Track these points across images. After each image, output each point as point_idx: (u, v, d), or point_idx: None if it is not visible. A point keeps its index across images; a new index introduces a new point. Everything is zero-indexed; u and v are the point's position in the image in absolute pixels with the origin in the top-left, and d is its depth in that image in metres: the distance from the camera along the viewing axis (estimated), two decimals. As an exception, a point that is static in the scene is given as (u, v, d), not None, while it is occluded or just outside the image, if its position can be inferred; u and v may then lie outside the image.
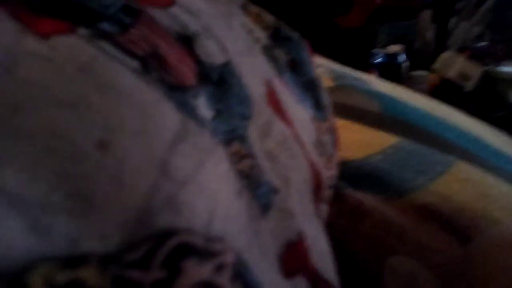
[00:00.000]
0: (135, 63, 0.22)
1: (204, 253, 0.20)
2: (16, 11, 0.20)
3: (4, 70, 0.18)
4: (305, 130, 0.34)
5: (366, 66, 1.32)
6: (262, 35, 0.36)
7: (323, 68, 0.63)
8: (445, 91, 1.40)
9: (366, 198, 0.47)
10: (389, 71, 1.32)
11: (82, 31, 0.21)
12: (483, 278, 0.42)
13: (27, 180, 0.17)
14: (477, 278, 0.42)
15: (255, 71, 0.31)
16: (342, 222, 0.45)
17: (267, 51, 0.35)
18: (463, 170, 0.51)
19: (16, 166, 0.17)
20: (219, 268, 0.20)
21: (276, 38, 0.37)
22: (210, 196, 0.21)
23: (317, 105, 0.38)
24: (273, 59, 0.35)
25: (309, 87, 0.38)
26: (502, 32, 1.55)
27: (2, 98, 0.18)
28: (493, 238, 0.44)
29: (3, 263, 0.16)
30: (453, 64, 1.40)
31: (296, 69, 0.37)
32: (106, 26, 0.22)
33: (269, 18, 0.38)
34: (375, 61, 1.35)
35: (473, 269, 0.42)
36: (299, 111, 0.35)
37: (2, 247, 0.16)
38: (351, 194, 0.47)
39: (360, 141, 0.54)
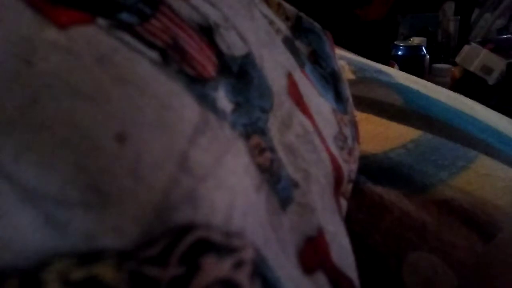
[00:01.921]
0: (155, 55, 0.22)
1: (223, 249, 0.19)
2: (34, 0, 0.20)
3: (23, 61, 0.18)
4: (326, 123, 0.33)
5: (387, 58, 1.31)
6: (283, 26, 0.35)
7: (345, 60, 0.63)
8: (468, 84, 1.38)
9: (386, 193, 0.46)
10: (411, 63, 1.31)
11: (101, 21, 0.21)
12: (504, 276, 0.41)
13: (44, 173, 0.17)
14: (498, 276, 0.41)
15: (276, 63, 0.30)
16: (361, 217, 0.45)
17: (288, 42, 0.34)
18: (486, 165, 0.50)
19: (33, 158, 0.17)
20: (238, 264, 0.20)
21: (298, 30, 0.37)
22: (230, 191, 0.21)
23: (338, 98, 0.38)
24: (294, 50, 0.34)
25: (330, 80, 0.37)
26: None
27: (20, 89, 0.18)
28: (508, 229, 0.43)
29: (17, 259, 0.16)
30: (476, 57, 1.38)
31: (317, 61, 0.37)
32: (125, 16, 0.22)
33: (290, 9, 0.38)
34: (397, 54, 1.34)
35: (494, 267, 0.42)
36: (320, 104, 0.34)
37: (16, 242, 0.16)
38: (371, 188, 0.46)
39: (381, 135, 0.53)
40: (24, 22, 0.19)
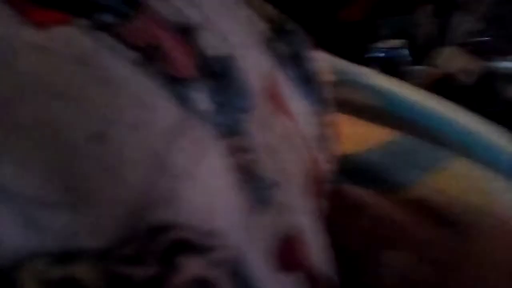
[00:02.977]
0: (134, 55, 0.22)
1: (200, 248, 0.19)
2: (15, 1, 0.20)
3: (2, 61, 0.18)
4: (306, 123, 0.34)
5: (366, 60, 1.32)
6: (264, 28, 0.35)
7: (324, 62, 0.63)
8: (445, 86, 1.40)
9: (364, 193, 0.47)
10: (390, 65, 1.32)
11: (81, 22, 0.21)
12: (480, 272, 0.42)
13: (21, 173, 0.17)
14: (472, 271, 0.42)
15: (257, 64, 0.30)
16: (339, 217, 0.45)
17: (269, 44, 0.34)
18: (461, 165, 0.51)
19: (10, 159, 0.17)
20: (216, 263, 0.20)
21: (278, 31, 0.37)
22: (208, 191, 0.21)
23: (318, 99, 0.38)
24: (275, 52, 0.34)
25: (309, 81, 0.38)
26: (504, 28, 1.54)
27: None
28: (490, 232, 0.44)
29: None
30: (454, 59, 1.40)
31: (297, 63, 0.37)
32: (106, 17, 0.22)
33: (271, 10, 0.38)
34: (376, 55, 1.35)
35: (468, 262, 0.42)
36: (301, 105, 0.34)
37: None
38: (348, 188, 0.47)
39: (360, 136, 0.54)
40: (3, 21, 0.19)
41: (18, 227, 0.16)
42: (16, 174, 0.17)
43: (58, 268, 0.17)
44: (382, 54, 1.34)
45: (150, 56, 0.22)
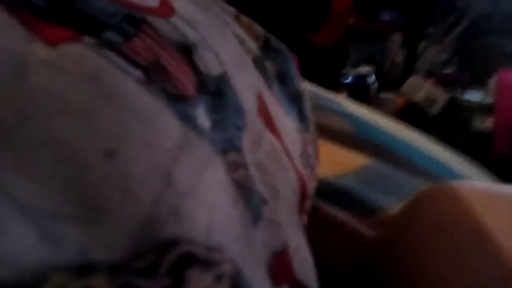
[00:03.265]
0: (138, 73, 0.22)
1: (205, 263, 0.20)
2: (24, 17, 0.20)
3: (15, 78, 0.18)
4: (292, 141, 0.34)
5: (336, 85, 1.34)
6: (253, 46, 0.36)
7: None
8: (411, 114, 1.43)
9: (339, 214, 0.48)
10: (358, 91, 1.34)
11: (88, 39, 0.21)
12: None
13: (38, 189, 0.17)
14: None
15: (247, 83, 0.31)
16: (316, 234, 0.46)
17: (258, 62, 0.35)
18: None
19: (28, 175, 0.17)
20: (219, 277, 0.20)
21: (266, 50, 0.38)
22: (209, 206, 0.22)
23: (302, 117, 0.39)
24: (263, 70, 0.35)
25: (295, 100, 0.39)
26: (469, 60, 1.59)
27: (12, 106, 0.18)
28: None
29: (16, 274, 0.16)
30: (420, 88, 1.43)
31: (283, 81, 0.38)
32: (110, 35, 0.22)
33: (259, 29, 0.39)
34: (345, 81, 1.37)
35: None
36: (287, 123, 0.35)
37: (14, 257, 0.16)
38: (324, 209, 0.48)
39: (333, 160, 0.55)
40: (15, 38, 0.19)
41: (38, 241, 0.17)
42: (32, 189, 0.17)
43: (77, 280, 0.17)
44: (351, 80, 1.37)
45: (153, 74, 0.22)
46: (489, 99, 1.40)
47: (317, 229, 0.46)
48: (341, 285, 0.44)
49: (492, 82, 1.42)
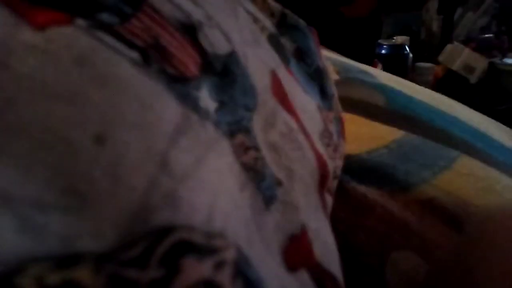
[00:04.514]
0: (135, 55, 0.21)
1: (204, 250, 0.19)
2: (11, 1, 0.19)
3: None
4: (311, 120, 0.33)
5: (371, 57, 1.32)
6: (268, 23, 0.35)
7: (328, 60, 0.63)
8: (450, 83, 1.40)
9: (370, 192, 0.47)
10: (394, 62, 1.32)
11: (80, 22, 0.21)
12: (477, 264, 0.42)
13: (20, 177, 0.17)
14: (480, 275, 0.42)
15: (260, 61, 0.30)
16: (345, 216, 0.45)
17: (273, 39, 0.34)
18: (467, 164, 0.51)
19: (9, 162, 0.17)
20: (220, 265, 0.20)
21: (282, 26, 0.37)
22: (211, 191, 0.21)
23: (323, 95, 0.38)
24: (279, 48, 0.34)
25: (315, 77, 0.38)
26: (508, 24, 1.54)
27: None
28: (495, 233, 0.44)
29: None
30: (458, 56, 1.39)
31: (303, 58, 0.37)
32: (105, 16, 0.22)
33: (275, 5, 0.38)
34: (380, 52, 1.34)
35: (475, 266, 0.42)
36: (305, 101, 0.34)
37: None
38: (355, 188, 0.47)
39: (364, 135, 0.54)
40: (0, 23, 0.19)
41: (18, 231, 0.16)
42: (16, 177, 0.17)
43: (58, 272, 0.16)
44: (386, 51, 1.34)
45: (151, 56, 0.22)
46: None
47: (348, 209, 0.45)
48: (371, 270, 0.44)
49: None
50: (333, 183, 0.36)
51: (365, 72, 0.66)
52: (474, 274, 0.42)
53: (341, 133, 0.40)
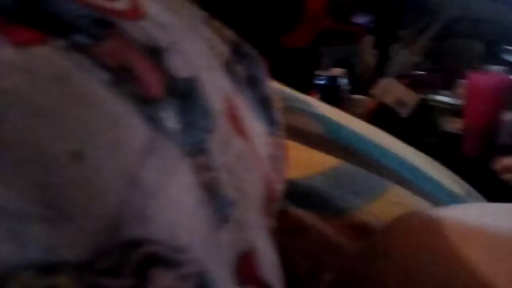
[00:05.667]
0: (106, 75, 0.22)
1: (169, 263, 0.20)
2: None
3: None
4: (261, 144, 0.35)
5: (308, 87, 1.34)
6: (223, 50, 0.36)
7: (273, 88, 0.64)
8: (382, 116, 1.44)
9: (307, 216, 0.48)
10: (330, 93, 1.35)
11: (57, 42, 0.21)
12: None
13: (3, 189, 0.17)
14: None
15: (216, 87, 0.31)
16: (283, 238, 0.46)
17: (228, 66, 0.35)
18: (397, 194, 0.54)
19: None
20: (183, 277, 0.21)
21: (237, 54, 0.38)
22: (176, 208, 0.22)
23: (271, 121, 0.39)
24: (233, 74, 0.35)
25: (264, 103, 0.39)
26: (440, 62, 1.61)
27: None
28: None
29: None
30: (391, 90, 1.44)
31: (253, 86, 0.38)
32: (79, 38, 0.22)
33: (229, 33, 0.39)
34: (318, 83, 1.38)
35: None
36: (256, 126, 0.35)
37: None
38: (292, 211, 0.48)
39: (302, 161, 0.55)
40: None
41: (4, 240, 0.17)
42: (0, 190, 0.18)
43: (42, 279, 0.17)
44: (323, 82, 1.38)
45: (121, 77, 0.23)
46: (458, 101, 1.42)
47: (285, 232, 0.46)
48: None
49: (461, 84, 1.44)
50: (276, 207, 0.38)
51: (304, 102, 0.68)
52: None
53: (285, 158, 0.42)
